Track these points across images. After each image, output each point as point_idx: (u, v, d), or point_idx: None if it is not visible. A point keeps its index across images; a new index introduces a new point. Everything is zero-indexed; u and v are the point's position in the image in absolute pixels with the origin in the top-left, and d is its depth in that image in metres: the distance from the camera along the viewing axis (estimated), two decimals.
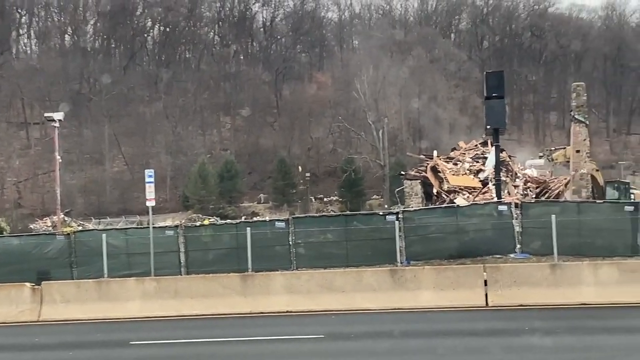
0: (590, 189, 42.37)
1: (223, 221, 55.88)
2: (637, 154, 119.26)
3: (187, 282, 24.63)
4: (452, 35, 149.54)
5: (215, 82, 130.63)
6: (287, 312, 21.61)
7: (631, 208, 30.42)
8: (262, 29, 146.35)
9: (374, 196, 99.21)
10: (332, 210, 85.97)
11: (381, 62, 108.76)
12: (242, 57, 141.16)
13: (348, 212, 57.83)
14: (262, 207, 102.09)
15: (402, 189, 53.59)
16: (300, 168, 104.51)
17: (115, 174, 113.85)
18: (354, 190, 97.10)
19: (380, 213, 35.23)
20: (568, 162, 44.87)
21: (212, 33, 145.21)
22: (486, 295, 21.28)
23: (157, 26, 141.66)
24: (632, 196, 49.50)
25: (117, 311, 22.78)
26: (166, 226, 38.09)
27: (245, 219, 66.56)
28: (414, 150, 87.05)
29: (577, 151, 42.19)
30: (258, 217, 76.96)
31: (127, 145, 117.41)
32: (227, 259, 30.17)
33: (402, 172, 60.82)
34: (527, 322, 18.53)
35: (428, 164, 50.39)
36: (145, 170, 30.80)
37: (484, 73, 39.92)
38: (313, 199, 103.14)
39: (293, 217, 35.19)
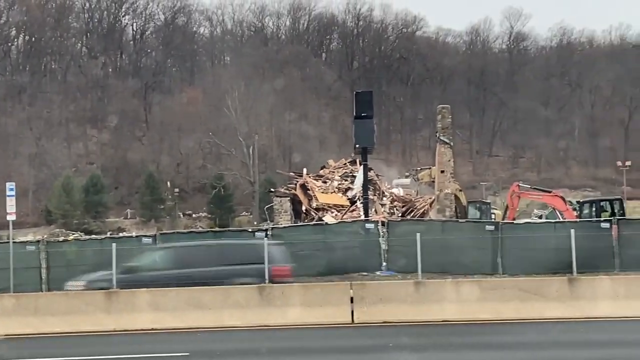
0: (454, 209, 43.52)
1: (88, 236, 54.45)
2: (498, 175, 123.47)
3: (48, 299, 23.79)
4: (323, 54, 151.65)
5: (82, 94, 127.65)
6: (153, 329, 21.19)
7: (492, 227, 31.53)
8: (132, 42, 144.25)
9: (244, 213, 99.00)
10: (200, 227, 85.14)
11: (252, 78, 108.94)
12: (110, 70, 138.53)
13: (217, 229, 57.35)
14: (129, 222, 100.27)
15: (272, 206, 53.65)
16: (168, 183, 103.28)
17: None
18: (223, 207, 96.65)
19: (250, 230, 35.18)
20: (433, 182, 45.93)
21: (79, 44, 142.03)
22: (352, 312, 21.47)
23: (22, 35, 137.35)
24: (493, 216, 51.24)
25: None
26: (27, 241, 36.79)
27: (111, 234, 65.08)
28: (284, 167, 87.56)
29: (442, 171, 43.28)
30: (124, 233, 75.40)
31: None
32: None
33: (272, 189, 60.91)
34: (392, 338, 18.78)
35: (297, 181, 50.68)
36: (7, 183, 29.66)
37: (354, 92, 40.54)
38: (181, 215, 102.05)
39: (160, 233, 34.70)
